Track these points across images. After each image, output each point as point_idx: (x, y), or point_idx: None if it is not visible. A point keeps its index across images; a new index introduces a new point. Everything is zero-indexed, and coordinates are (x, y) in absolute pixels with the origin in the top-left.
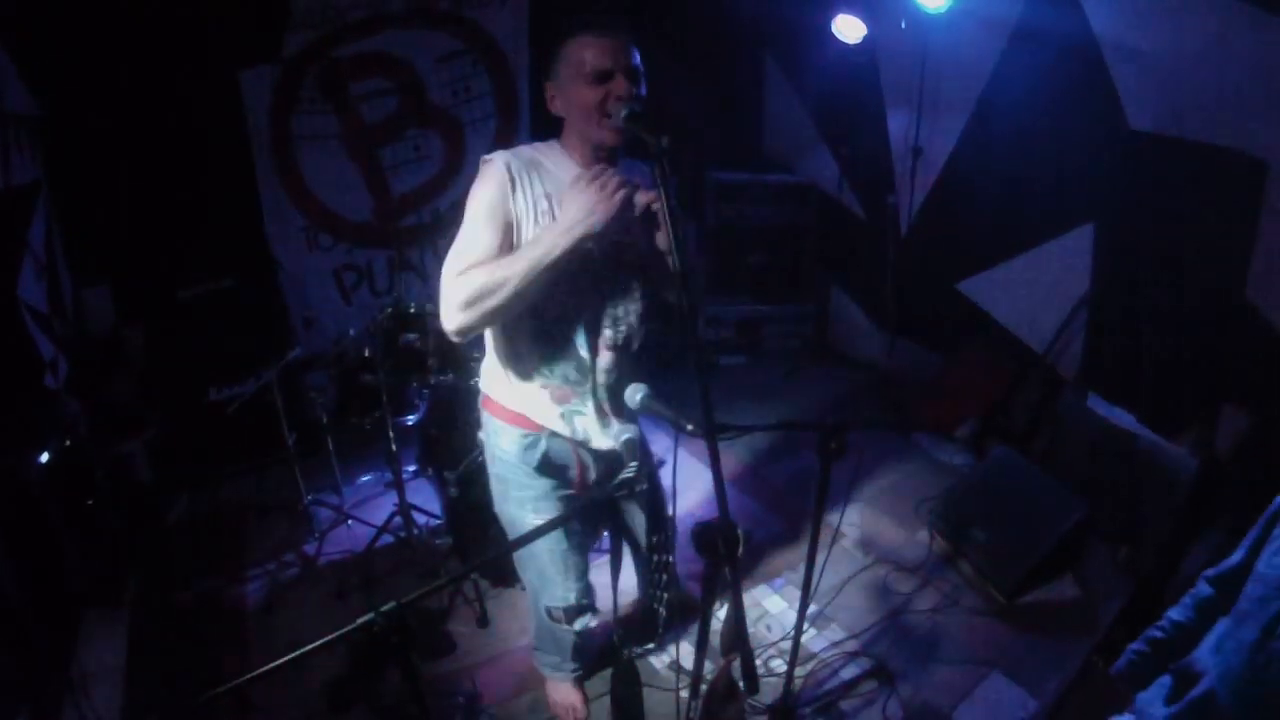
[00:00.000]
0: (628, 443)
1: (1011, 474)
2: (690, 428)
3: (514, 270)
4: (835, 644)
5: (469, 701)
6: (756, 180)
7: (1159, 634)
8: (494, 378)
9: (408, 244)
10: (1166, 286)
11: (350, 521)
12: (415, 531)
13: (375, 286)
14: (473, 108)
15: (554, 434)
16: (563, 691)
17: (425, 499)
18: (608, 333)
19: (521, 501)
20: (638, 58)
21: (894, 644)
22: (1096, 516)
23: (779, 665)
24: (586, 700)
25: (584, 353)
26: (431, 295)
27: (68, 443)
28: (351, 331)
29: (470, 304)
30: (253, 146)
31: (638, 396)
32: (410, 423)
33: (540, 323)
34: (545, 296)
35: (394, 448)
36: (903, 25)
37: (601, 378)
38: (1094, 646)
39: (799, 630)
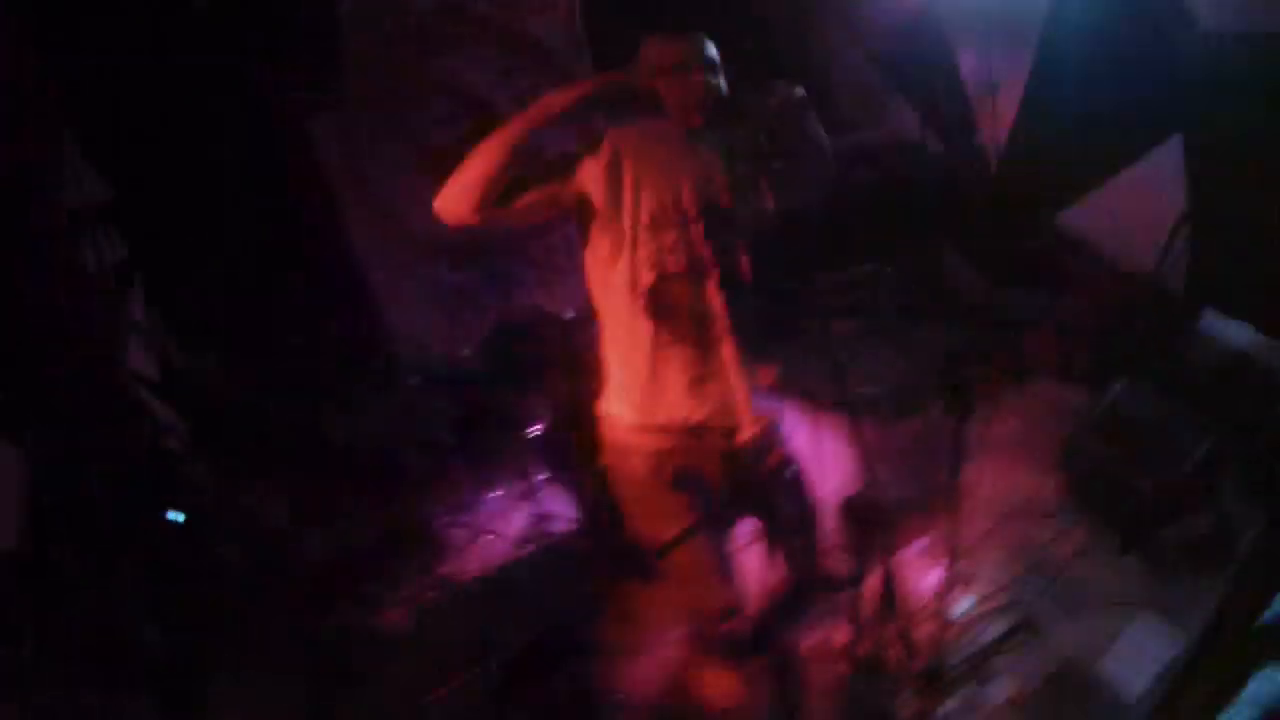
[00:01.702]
0: (768, 425)
1: (1138, 406)
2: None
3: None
4: (980, 599)
5: (626, 700)
6: (839, 142)
7: None
8: (616, 391)
9: (505, 256)
10: (1264, 190)
11: (487, 537)
12: (552, 540)
13: (479, 303)
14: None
15: (681, 447)
16: (718, 681)
17: (559, 506)
18: (715, 274)
19: (659, 517)
20: (713, 50)
21: (1037, 594)
22: (1224, 440)
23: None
24: (742, 685)
25: (697, 303)
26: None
27: (194, 499)
28: (466, 351)
29: (458, 171)
30: (334, 188)
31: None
32: (536, 432)
33: (650, 289)
34: (640, 264)
35: (526, 458)
36: None
37: (717, 325)
38: (1232, 577)
39: (944, 592)
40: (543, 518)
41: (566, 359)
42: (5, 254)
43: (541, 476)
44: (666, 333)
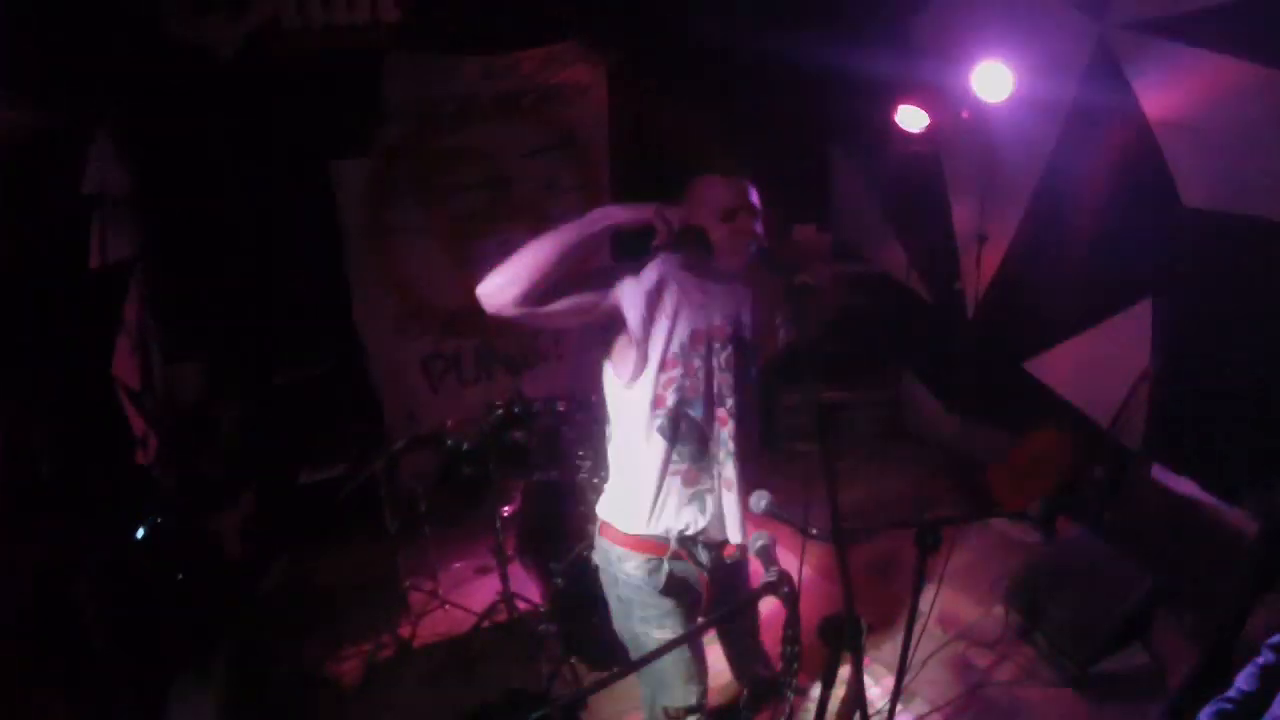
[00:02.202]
0: (763, 549)
1: (1082, 551)
2: (815, 532)
3: (559, 231)
4: (921, 717)
5: None
6: (838, 271)
7: (1229, 706)
8: (619, 499)
9: (496, 335)
10: (1224, 358)
11: (446, 606)
12: (515, 617)
13: (463, 375)
14: (559, 200)
15: (675, 556)
16: None
17: (521, 585)
18: (729, 401)
19: (646, 619)
20: (756, 196)
21: (976, 717)
22: (1163, 585)
23: None
24: None
25: (708, 427)
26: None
27: (159, 519)
28: (449, 422)
29: (509, 262)
30: (344, 234)
31: (762, 503)
32: (507, 514)
33: (661, 411)
34: (663, 386)
35: (499, 538)
36: (964, 115)
37: (724, 449)
38: (1163, 711)
39: (894, 707)
40: (508, 596)
41: (554, 449)
42: (11, 226)
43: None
44: (677, 452)
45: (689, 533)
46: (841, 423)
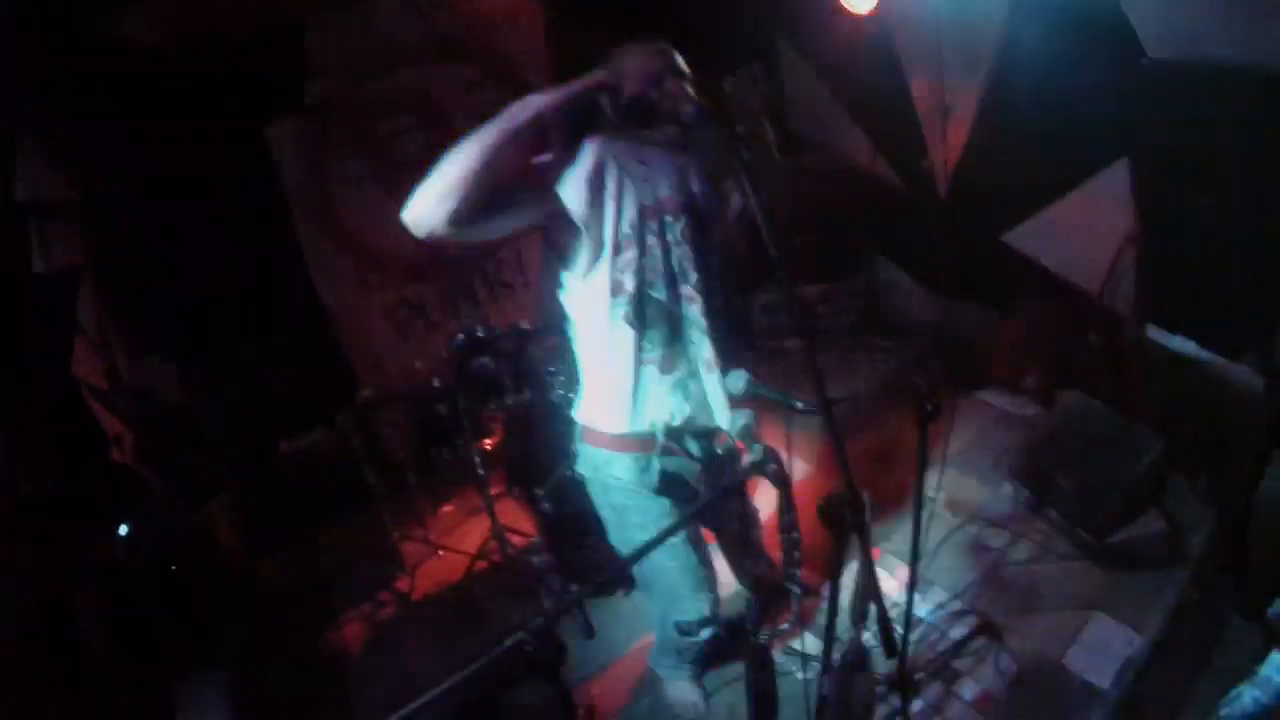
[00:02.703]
0: (745, 429)
1: (1084, 418)
2: (800, 405)
3: (479, 133)
4: (940, 605)
5: (588, 715)
6: (788, 162)
7: None
8: (596, 400)
9: (458, 273)
10: (1207, 211)
11: (441, 552)
12: (510, 552)
13: (430, 319)
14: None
15: (664, 451)
16: (682, 689)
17: (514, 519)
18: (694, 277)
19: (644, 525)
20: (682, 61)
21: (996, 599)
22: (1172, 448)
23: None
24: (706, 696)
25: (675, 307)
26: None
27: (144, 514)
28: (418, 364)
29: (430, 179)
30: (289, 198)
31: (740, 383)
32: (490, 447)
33: (622, 298)
34: (620, 270)
35: (481, 472)
36: None
37: (696, 328)
38: (1188, 579)
39: (910, 596)
40: (499, 532)
41: (525, 372)
42: None
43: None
44: (648, 339)
45: (675, 423)
46: (819, 316)
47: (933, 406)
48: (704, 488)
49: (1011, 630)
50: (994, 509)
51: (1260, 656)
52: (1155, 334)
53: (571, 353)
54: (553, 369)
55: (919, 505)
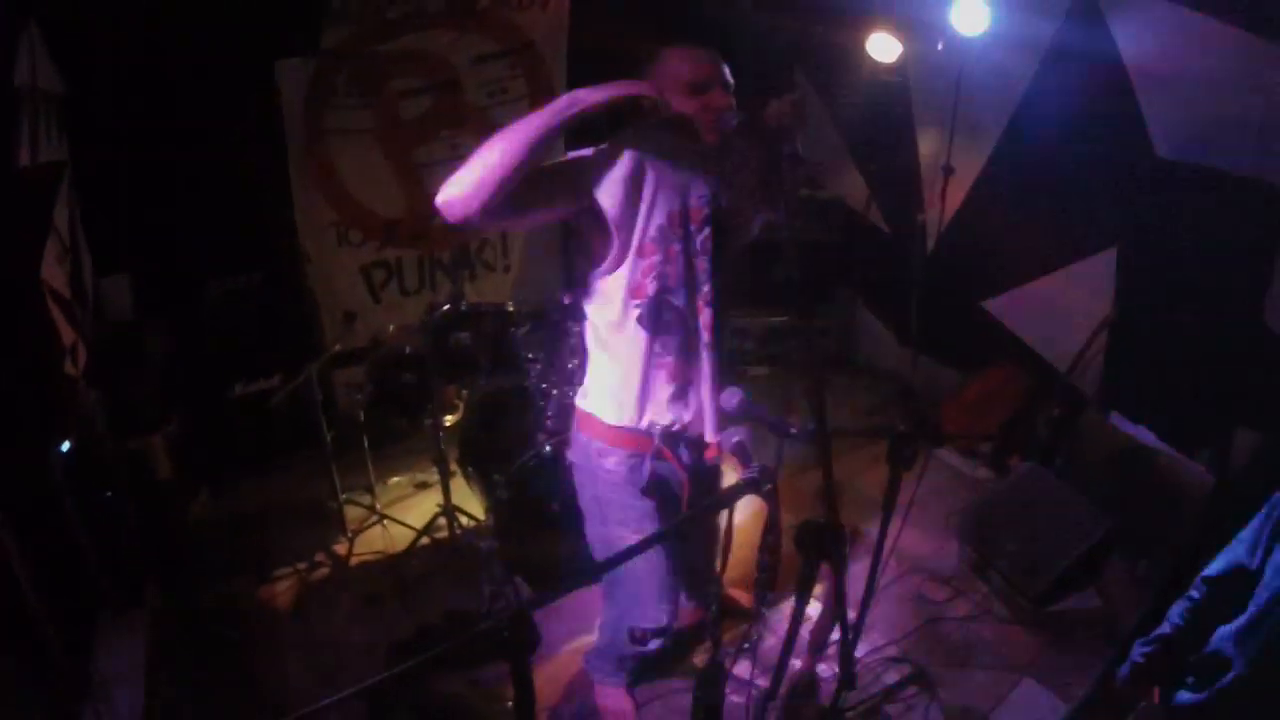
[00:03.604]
0: (739, 445)
1: (1039, 488)
2: (794, 431)
3: (523, 123)
4: (876, 649)
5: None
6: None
7: (1158, 644)
8: (603, 390)
9: (439, 243)
10: (1186, 311)
11: (385, 522)
12: (457, 532)
13: (404, 285)
14: (507, 110)
15: (658, 454)
16: (613, 697)
17: (464, 500)
18: (705, 288)
19: (624, 522)
20: (728, 73)
21: (931, 650)
22: (1116, 530)
23: (824, 670)
24: (636, 706)
25: (689, 316)
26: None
27: (86, 434)
28: (391, 327)
29: (469, 166)
30: (286, 138)
31: (734, 401)
32: (448, 423)
33: (641, 300)
34: (642, 274)
35: (441, 447)
36: (939, 46)
37: (700, 339)
38: (1113, 658)
39: (853, 633)
40: (449, 510)
41: (502, 353)
42: None
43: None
44: (660, 344)
45: (674, 428)
46: (790, 350)
47: (911, 452)
48: (686, 494)
49: (943, 683)
50: (938, 564)
51: None
52: (1117, 419)
53: (554, 343)
54: (531, 356)
55: (880, 544)
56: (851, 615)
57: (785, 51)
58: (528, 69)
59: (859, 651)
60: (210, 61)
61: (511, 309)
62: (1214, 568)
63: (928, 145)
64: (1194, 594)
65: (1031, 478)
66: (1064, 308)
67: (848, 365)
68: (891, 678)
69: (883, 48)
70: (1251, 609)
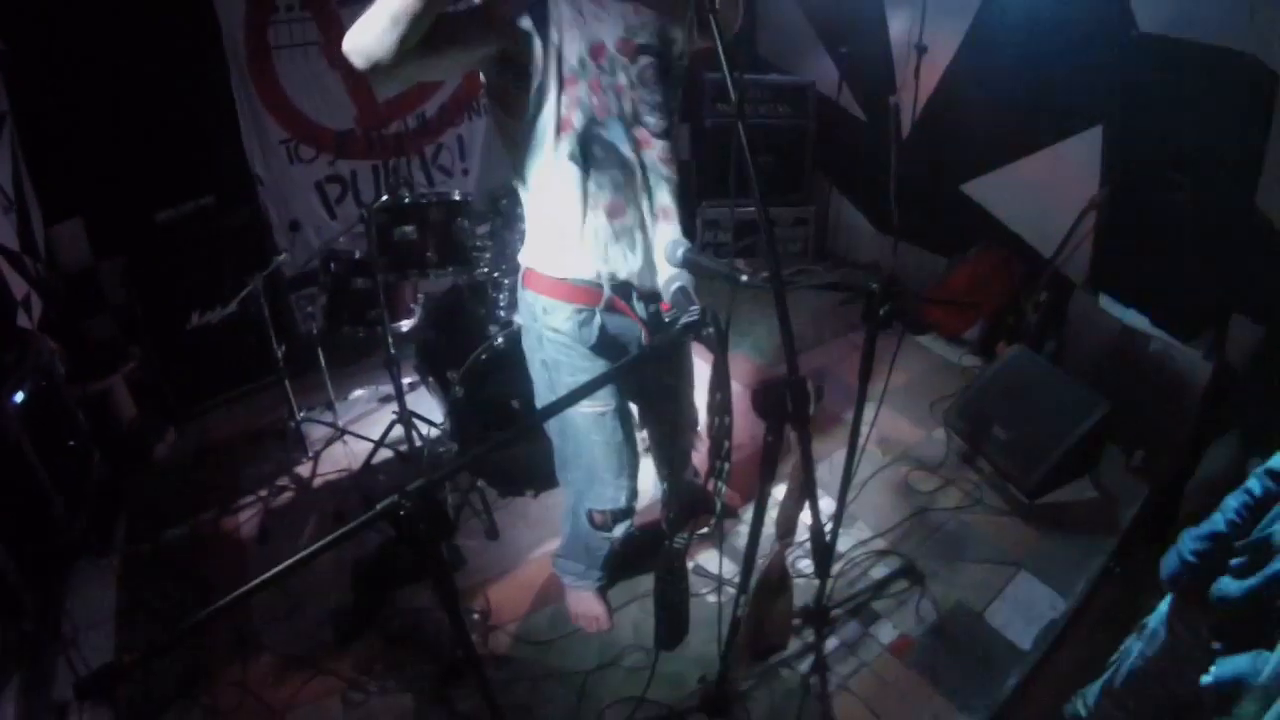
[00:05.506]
0: (680, 290)
1: (1028, 373)
2: (745, 278)
3: None
4: (863, 543)
5: (484, 619)
6: (753, 81)
7: (1224, 529)
8: (541, 240)
9: (393, 151)
10: (1176, 191)
11: (346, 438)
12: (417, 442)
13: (360, 198)
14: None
15: (609, 307)
16: (586, 601)
17: (425, 409)
18: (651, 120)
19: (575, 387)
20: None
21: (920, 543)
22: (1110, 416)
23: (807, 565)
24: (610, 610)
25: (627, 150)
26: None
27: (44, 383)
28: (342, 239)
29: (375, 8)
30: (227, 59)
31: (679, 251)
32: (406, 329)
33: (568, 135)
34: (566, 107)
35: (392, 350)
36: None
37: (654, 173)
38: (1113, 551)
39: (836, 529)
40: (406, 416)
41: (450, 244)
42: None
43: (407, 380)
44: (595, 181)
45: (620, 275)
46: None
47: (886, 310)
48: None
49: (934, 577)
50: (925, 453)
51: None
52: (1107, 303)
53: (505, 230)
54: (479, 245)
55: (859, 409)
56: (832, 503)
57: None
58: None
59: (845, 545)
60: None
61: (457, 198)
62: (1277, 460)
63: (899, 24)
64: (1252, 487)
65: (1020, 362)
66: (1049, 190)
67: (827, 258)
68: (880, 572)
69: None
70: None
